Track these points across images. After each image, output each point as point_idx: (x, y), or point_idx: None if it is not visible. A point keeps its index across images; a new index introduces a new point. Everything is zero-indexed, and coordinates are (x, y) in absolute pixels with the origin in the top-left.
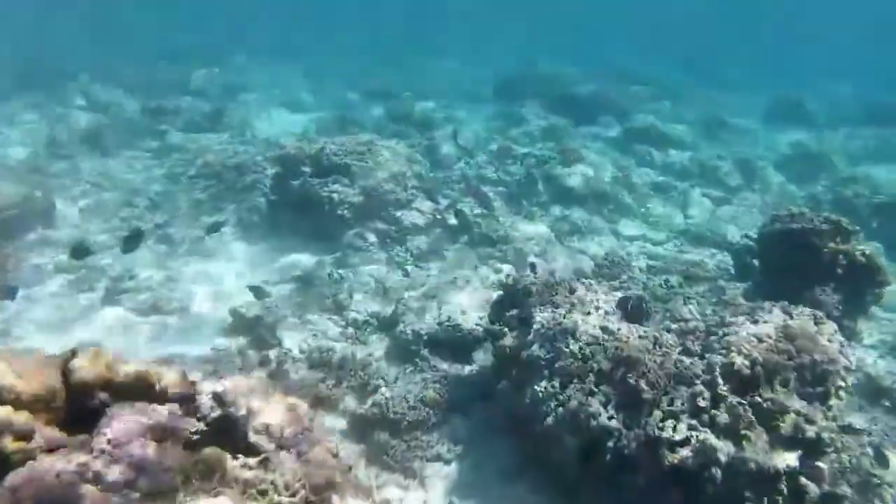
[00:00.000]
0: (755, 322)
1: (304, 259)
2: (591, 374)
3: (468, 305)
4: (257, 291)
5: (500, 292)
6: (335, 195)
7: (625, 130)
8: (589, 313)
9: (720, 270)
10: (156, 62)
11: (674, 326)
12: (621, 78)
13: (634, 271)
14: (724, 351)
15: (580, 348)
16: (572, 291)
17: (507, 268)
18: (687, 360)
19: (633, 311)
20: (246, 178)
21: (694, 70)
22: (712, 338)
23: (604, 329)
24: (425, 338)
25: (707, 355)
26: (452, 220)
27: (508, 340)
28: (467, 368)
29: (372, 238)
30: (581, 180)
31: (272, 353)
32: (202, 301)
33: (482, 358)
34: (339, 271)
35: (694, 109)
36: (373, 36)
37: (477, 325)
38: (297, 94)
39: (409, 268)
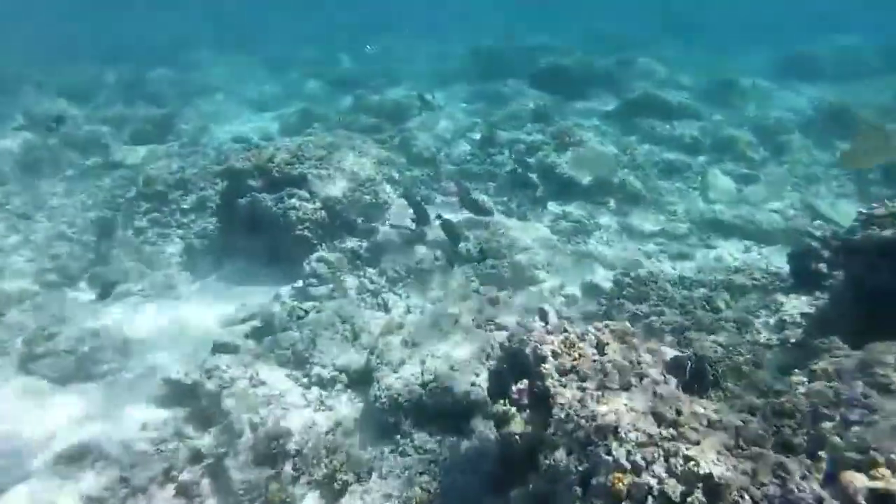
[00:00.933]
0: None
1: (260, 293)
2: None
3: (460, 356)
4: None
5: (500, 356)
6: (292, 212)
7: (623, 103)
8: (631, 387)
9: (769, 275)
10: (106, 64)
11: (756, 401)
12: (608, 46)
13: (665, 287)
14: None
15: (627, 454)
16: (602, 349)
17: (510, 320)
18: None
19: (692, 378)
20: (193, 195)
21: (682, 32)
22: (827, 427)
23: (659, 418)
24: (406, 405)
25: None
26: (436, 232)
27: (517, 426)
28: (464, 445)
29: (339, 261)
30: (581, 168)
31: (206, 442)
32: (136, 360)
33: (482, 427)
34: (300, 308)
35: (693, 74)
36: (336, 20)
37: (473, 384)
38: (261, 89)
39: (384, 297)
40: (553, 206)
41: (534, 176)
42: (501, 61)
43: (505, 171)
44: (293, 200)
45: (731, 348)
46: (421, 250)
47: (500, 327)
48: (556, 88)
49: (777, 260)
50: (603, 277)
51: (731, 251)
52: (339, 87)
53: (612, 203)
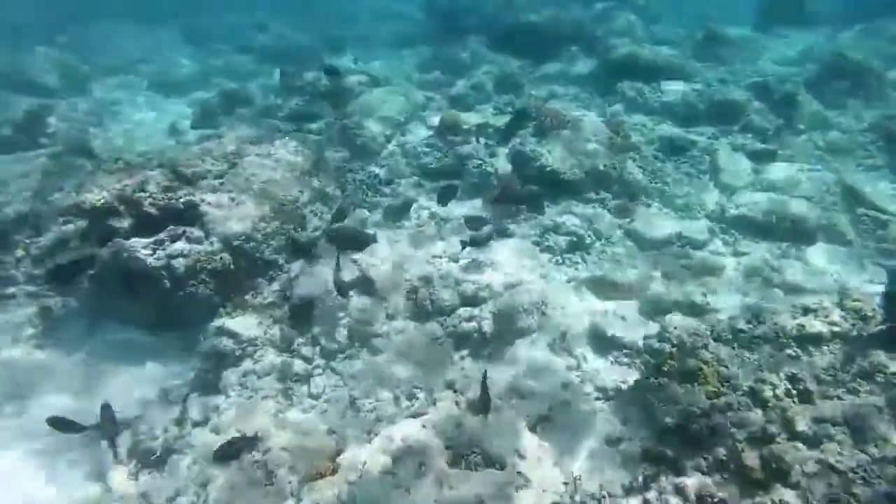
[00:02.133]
0: None
1: (143, 381)
2: None
3: None
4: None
5: None
6: (178, 262)
7: (601, 64)
8: None
9: (853, 315)
10: None
11: None
12: None
13: (718, 353)
14: None
15: None
16: None
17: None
18: None
19: None
20: (52, 233)
21: None
22: None
23: None
24: None
25: None
26: (381, 269)
27: None
28: None
29: (250, 330)
30: (568, 156)
31: None
32: None
33: None
34: (191, 419)
35: (672, 23)
36: None
37: None
38: (175, 68)
39: (318, 381)
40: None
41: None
42: (462, 16)
43: (472, 166)
44: (178, 245)
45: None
46: (365, 301)
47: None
48: (523, 49)
49: (817, 259)
50: (623, 329)
51: (767, 257)
52: (271, 60)
53: (609, 200)
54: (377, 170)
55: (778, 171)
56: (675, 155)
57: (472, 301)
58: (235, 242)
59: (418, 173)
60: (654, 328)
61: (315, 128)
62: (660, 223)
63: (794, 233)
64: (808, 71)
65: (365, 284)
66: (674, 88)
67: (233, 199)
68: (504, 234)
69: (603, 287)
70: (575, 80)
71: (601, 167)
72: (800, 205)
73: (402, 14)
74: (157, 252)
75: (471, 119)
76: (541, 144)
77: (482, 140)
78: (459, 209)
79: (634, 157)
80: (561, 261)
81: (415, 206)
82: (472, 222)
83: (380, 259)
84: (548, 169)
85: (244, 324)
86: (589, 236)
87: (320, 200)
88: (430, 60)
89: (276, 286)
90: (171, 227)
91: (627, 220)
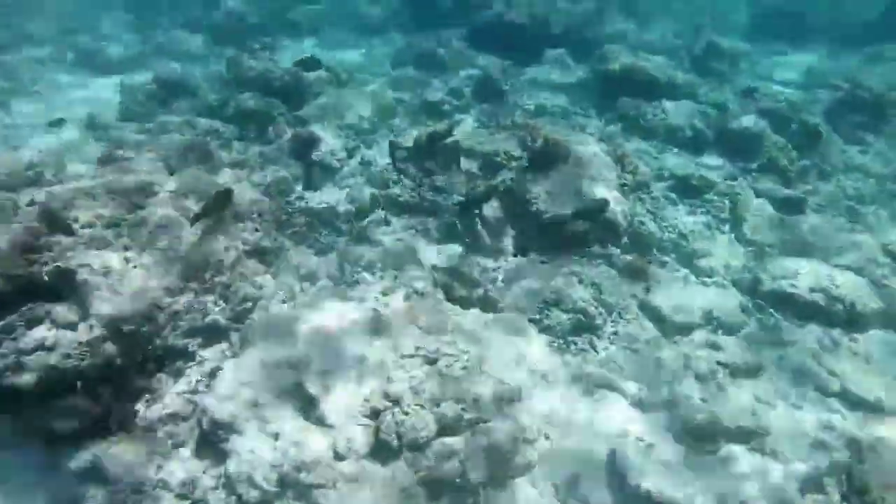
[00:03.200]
0: None
1: None
2: None
3: None
4: None
5: None
6: (36, 358)
7: (595, 73)
8: None
9: None
10: None
11: None
12: None
13: None
14: None
15: None
16: None
17: None
18: None
19: None
20: None
21: None
22: None
23: None
24: None
25: None
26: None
27: None
28: None
29: (134, 469)
30: (570, 198)
31: None
32: None
33: None
34: None
35: (663, 28)
36: None
37: None
38: (110, 42)
39: None
40: (531, 271)
41: (492, 212)
42: (435, 4)
43: (451, 202)
44: (39, 331)
45: None
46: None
47: None
48: (504, 48)
49: (879, 353)
50: (655, 471)
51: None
52: (220, 40)
53: (616, 258)
54: (333, 198)
55: (813, 226)
56: (689, 196)
57: (452, 427)
58: (126, 327)
59: (385, 204)
60: (692, 478)
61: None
62: (682, 294)
63: (847, 317)
64: (818, 98)
65: (305, 403)
66: (678, 109)
67: (128, 261)
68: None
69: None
70: (564, 89)
71: (609, 217)
72: (847, 279)
73: None
74: (4, 344)
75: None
76: (535, 180)
77: (463, 167)
78: (432, 253)
79: (643, 198)
80: (565, 346)
81: (377, 252)
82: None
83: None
84: (546, 215)
85: (125, 458)
86: (599, 311)
87: (259, 254)
88: (402, 52)
89: (182, 386)
90: (30, 305)
91: (643, 286)
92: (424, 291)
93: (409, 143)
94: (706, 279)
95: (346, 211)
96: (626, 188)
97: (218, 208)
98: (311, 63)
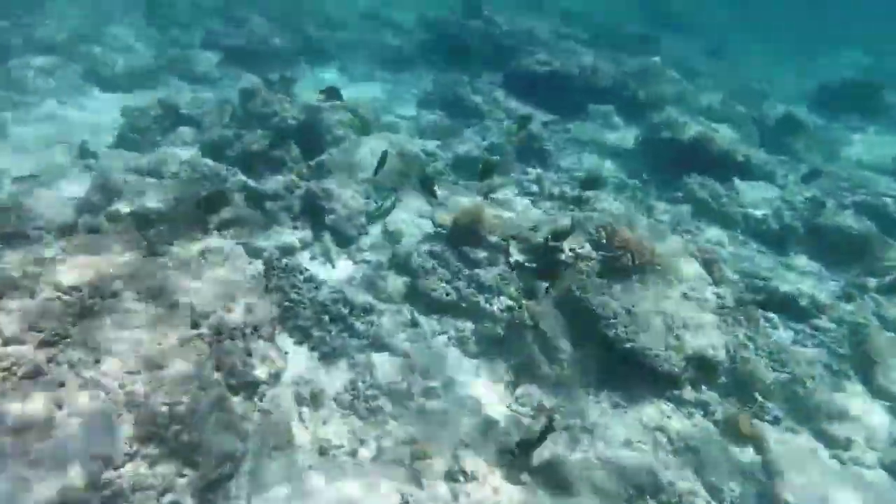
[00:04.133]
0: None
1: None
2: None
3: None
4: None
5: None
6: None
7: (651, 138)
8: None
9: None
10: None
11: None
12: (594, 37)
13: None
14: None
15: None
16: None
17: None
18: None
19: None
20: None
21: (672, 25)
22: None
23: None
24: None
25: None
26: None
27: None
28: None
29: None
30: (661, 327)
31: None
32: None
33: None
34: None
35: (716, 88)
36: None
37: None
38: (122, 55)
39: None
40: (605, 424)
41: (552, 327)
42: (466, 42)
43: (499, 307)
44: None
45: None
46: None
47: None
48: (545, 98)
49: None
50: None
51: None
52: (238, 61)
53: (716, 403)
54: (347, 275)
55: None
56: (791, 318)
57: None
58: None
59: (412, 297)
60: None
61: (272, 189)
62: (816, 480)
63: None
64: None
65: None
66: (756, 193)
67: (60, 407)
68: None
69: None
70: (614, 154)
71: (710, 352)
72: None
73: (396, 23)
74: None
75: (496, 216)
76: (611, 292)
77: (514, 258)
78: (468, 376)
79: (739, 319)
80: None
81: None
82: None
83: None
84: (626, 345)
85: None
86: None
87: (244, 391)
88: (431, 92)
89: None
90: None
91: (754, 451)
92: (474, 472)
93: (445, 216)
94: (841, 454)
95: (363, 302)
96: (724, 311)
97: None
98: (333, 93)
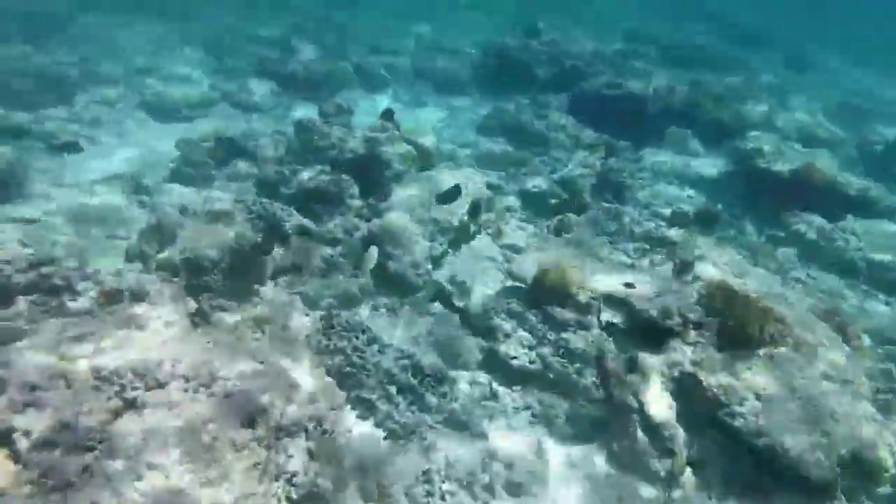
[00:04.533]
0: None
1: None
2: None
3: None
4: None
5: None
6: None
7: (741, 166)
8: None
9: None
10: None
11: None
12: (663, 55)
13: None
14: None
15: None
16: None
17: None
18: None
19: None
20: None
21: (748, 41)
22: None
23: None
24: None
25: None
26: None
27: None
28: None
29: None
30: (802, 424)
31: None
32: None
33: None
34: None
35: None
36: None
37: None
38: (179, 85)
39: None
40: None
41: (662, 410)
42: (525, 65)
43: (590, 380)
44: None
45: None
46: None
47: None
48: (615, 122)
49: None
50: None
51: None
52: (292, 89)
53: None
54: (414, 334)
55: None
56: None
57: None
58: None
59: (491, 364)
60: None
61: (329, 232)
62: None
63: None
64: None
65: None
66: (875, 233)
67: None
68: None
69: None
70: (697, 184)
71: (870, 452)
72: None
73: (451, 48)
74: None
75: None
76: (733, 370)
77: (604, 320)
78: (558, 467)
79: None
80: None
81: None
82: None
83: None
84: (761, 440)
85: None
86: None
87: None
88: (490, 117)
89: None
90: None
91: None
92: None
93: (527, 267)
94: None
95: (434, 367)
96: (879, 395)
97: None
98: (388, 115)
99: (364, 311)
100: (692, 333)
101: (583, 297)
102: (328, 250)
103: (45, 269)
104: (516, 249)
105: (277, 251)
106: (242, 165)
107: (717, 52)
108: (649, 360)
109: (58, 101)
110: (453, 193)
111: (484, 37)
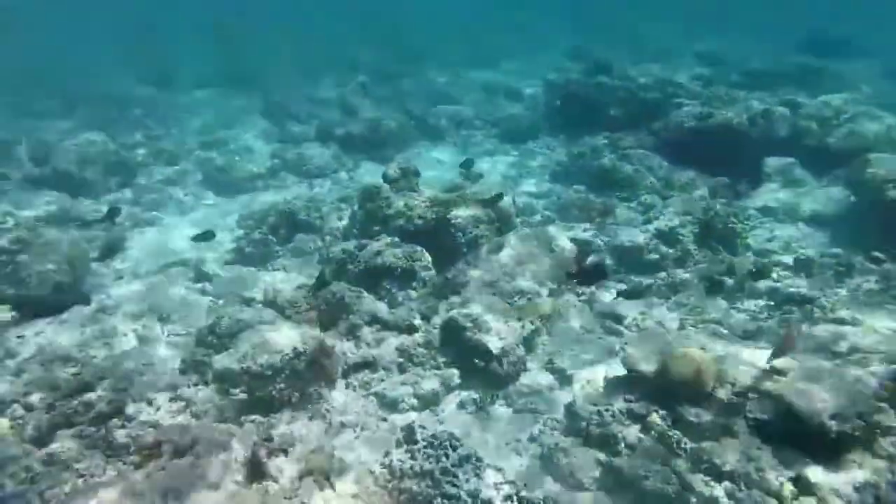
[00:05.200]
0: None
1: None
2: None
3: None
4: None
5: None
6: None
7: (864, 197)
8: None
9: None
10: None
11: None
12: (747, 76)
13: None
14: None
15: None
16: None
17: None
18: None
19: None
20: None
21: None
22: None
23: None
24: None
25: None
26: None
27: None
28: None
29: None
30: None
31: None
32: None
33: None
34: None
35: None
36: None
37: None
38: (240, 157)
39: None
40: None
41: None
42: (593, 101)
43: None
44: None
45: None
46: None
47: None
48: (706, 157)
49: None
50: None
51: None
52: (354, 149)
53: None
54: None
55: None
56: None
57: None
58: None
59: (615, 485)
60: None
61: (404, 319)
62: None
63: None
64: None
65: None
66: None
67: None
68: None
69: None
70: (815, 222)
71: None
72: None
73: (515, 91)
74: None
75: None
76: None
77: (752, 418)
78: None
79: None
80: None
81: None
82: None
83: None
84: None
85: None
86: None
87: None
88: (564, 164)
89: None
90: None
91: None
92: None
93: (642, 358)
94: None
95: (544, 498)
96: None
97: None
98: (467, 163)
99: (449, 406)
100: (882, 443)
101: (723, 394)
102: (403, 339)
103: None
104: (616, 317)
105: (347, 344)
106: (306, 240)
107: (808, 68)
108: (822, 477)
109: (121, 185)
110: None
111: (554, 75)
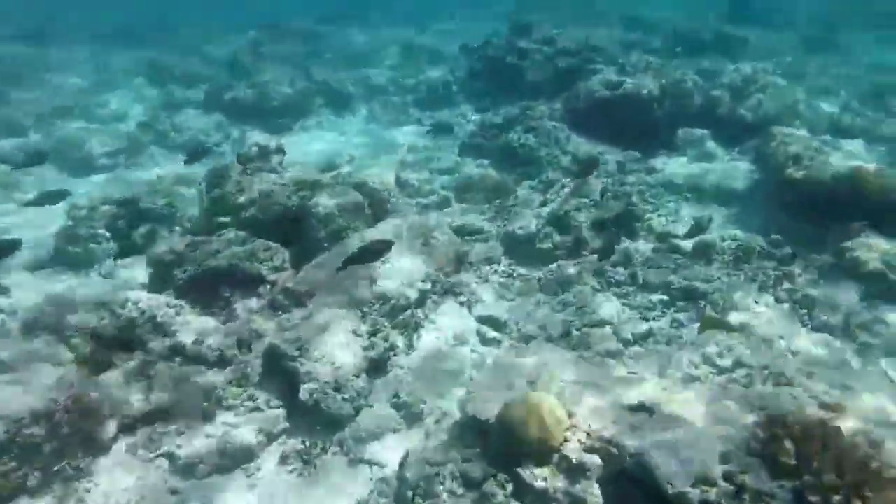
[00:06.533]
0: None
1: None
2: None
3: None
4: None
5: None
6: None
7: (771, 174)
8: None
9: None
10: None
11: None
12: (667, 44)
13: None
14: None
15: None
16: None
17: None
18: None
19: None
20: None
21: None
22: None
23: None
24: None
25: None
26: None
27: None
28: None
29: None
30: None
31: None
32: None
33: None
34: None
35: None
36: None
37: None
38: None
39: None
40: None
41: None
42: (510, 67)
43: None
44: None
45: None
46: None
47: None
48: (617, 129)
49: None
50: None
51: None
52: (244, 118)
53: None
54: None
55: None
56: None
57: None
58: None
59: None
60: None
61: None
62: None
63: None
64: None
65: None
66: None
67: None
68: None
69: None
70: (722, 201)
71: None
72: None
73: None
74: None
75: None
76: None
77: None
78: None
79: None
80: None
81: None
82: None
83: None
84: None
85: None
86: None
87: None
88: (474, 135)
89: None
90: None
91: None
92: None
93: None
94: None
95: None
96: None
97: None
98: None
99: (267, 464)
100: None
101: (572, 450)
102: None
103: None
104: (496, 323)
105: (135, 396)
106: (165, 239)
107: (726, 37)
108: None
109: None
110: (359, 255)
111: (474, 41)
